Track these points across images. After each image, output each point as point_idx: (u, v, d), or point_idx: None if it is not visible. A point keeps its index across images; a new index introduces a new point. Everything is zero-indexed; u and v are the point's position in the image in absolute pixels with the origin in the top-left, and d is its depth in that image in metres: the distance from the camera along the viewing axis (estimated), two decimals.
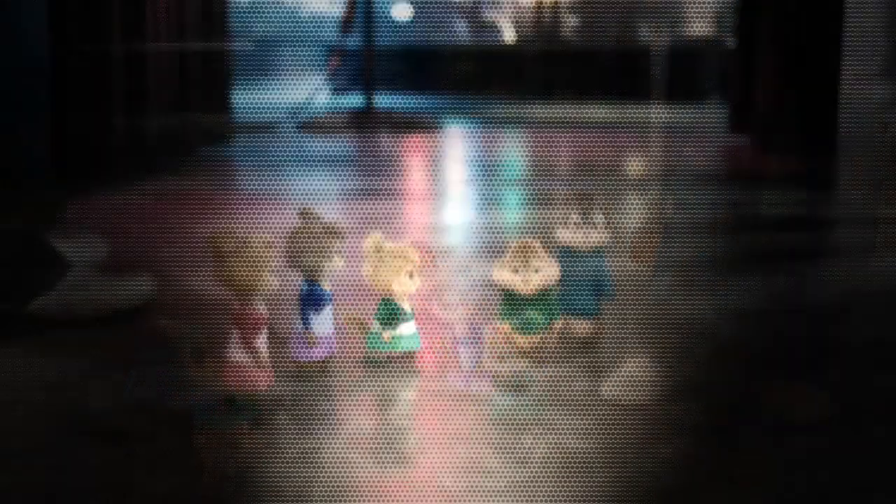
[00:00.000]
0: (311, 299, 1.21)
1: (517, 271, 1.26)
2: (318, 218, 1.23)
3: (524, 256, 1.26)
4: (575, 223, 1.33)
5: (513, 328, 1.28)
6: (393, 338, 1.26)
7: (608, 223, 1.33)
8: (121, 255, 1.80)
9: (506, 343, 1.27)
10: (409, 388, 1.20)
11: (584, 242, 1.33)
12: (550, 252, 1.29)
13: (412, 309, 1.28)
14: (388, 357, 1.27)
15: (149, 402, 1.13)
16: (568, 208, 1.33)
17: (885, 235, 2.15)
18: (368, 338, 1.27)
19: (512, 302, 1.28)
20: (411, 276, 1.26)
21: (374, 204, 2.56)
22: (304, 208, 1.24)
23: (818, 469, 0.97)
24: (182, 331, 1.12)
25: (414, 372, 1.25)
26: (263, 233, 1.12)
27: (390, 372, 1.24)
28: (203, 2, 3.21)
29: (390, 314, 1.26)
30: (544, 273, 1.27)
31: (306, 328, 1.21)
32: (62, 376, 1.21)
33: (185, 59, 3.08)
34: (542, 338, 1.28)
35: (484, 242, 2.15)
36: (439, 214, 2.50)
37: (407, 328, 1.27)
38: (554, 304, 1.30)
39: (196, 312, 1.14)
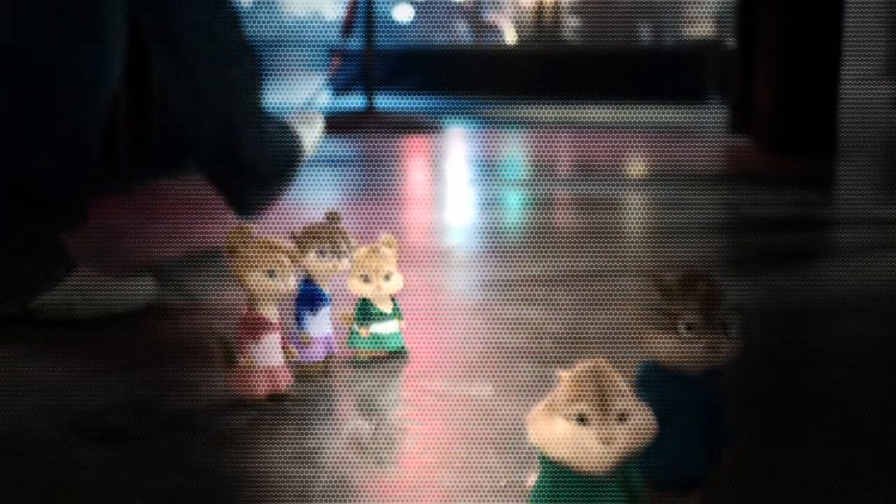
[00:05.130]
0: (307, 300, 1.21)
1: (586, 422, 0.65)
2: (339, 223, 1.22)
3: (600, 396, 0.65)
4: (680, 337, 0.75)
5: None
6: (370, 335, 1.25)
7: (732, 332, 0.78)
8: (123, 255, 1.80)
9: None
10: (393, 388, 1.19)
11: (693, 362, 0.76)
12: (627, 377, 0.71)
13: (395, 309, 1.27)
14: (371, 357, 1.27)
15: (149, 402, 1.14)
16: (660, 305, 0.76)
17: (885, 235, 2.15)
18: (349, 337, 1.27)
19: (565, 483, 0.67)
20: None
21: (373, 205, 2.56)
22: (332, 211, 1.23)
23: (816, 470, 0.97)
24: (217, 331, 1.11)
25: (397, 372, 1.24)
26: (273, 235, 1.11)
27: (374, 372, 1.24)
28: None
29: (364, 312, 1.25)
30: (634, 423, 0.66)
31: (300, 328, 1.21)
32: (62, 376, 1.22)
33: None
34: None
35: (485, 244, 2.15)
36: (439, 215, 2.50)
37: (384, 327, 1.26)
38: (636, 479, 0.69)
39: (228, 313, 1.12)
